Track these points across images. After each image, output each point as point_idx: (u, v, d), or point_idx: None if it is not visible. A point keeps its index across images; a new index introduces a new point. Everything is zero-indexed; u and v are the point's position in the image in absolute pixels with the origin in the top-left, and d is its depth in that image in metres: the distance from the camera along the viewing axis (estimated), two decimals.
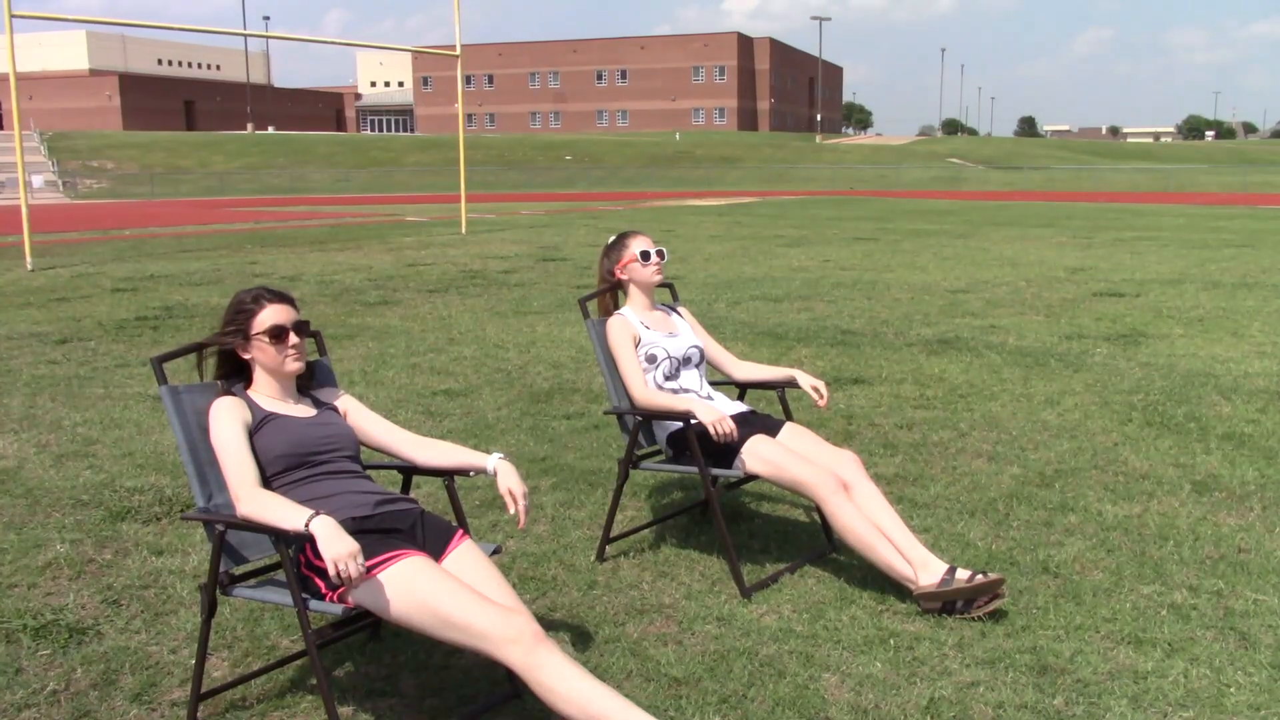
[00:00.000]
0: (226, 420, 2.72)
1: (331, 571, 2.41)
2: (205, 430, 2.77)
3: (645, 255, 3.93)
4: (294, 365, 2.86)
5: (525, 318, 9.72)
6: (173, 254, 16.77)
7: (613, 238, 4.04)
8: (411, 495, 3.01)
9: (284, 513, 2.52)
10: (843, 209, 30.50)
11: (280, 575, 2.76)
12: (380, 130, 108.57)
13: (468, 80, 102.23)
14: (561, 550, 3.95)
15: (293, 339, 2.84)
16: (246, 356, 2.86)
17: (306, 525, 2.45)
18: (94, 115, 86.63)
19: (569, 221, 25.12)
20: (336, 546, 2.41)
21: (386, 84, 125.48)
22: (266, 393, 2.87)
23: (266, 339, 2.81)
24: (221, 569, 2.69)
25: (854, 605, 3.42)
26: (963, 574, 3.30)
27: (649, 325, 3.92)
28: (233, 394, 2.84)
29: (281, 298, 2.87)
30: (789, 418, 3.97)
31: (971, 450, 5.19)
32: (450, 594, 2.44)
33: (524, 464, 5.01)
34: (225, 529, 2.64)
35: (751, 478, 3.68)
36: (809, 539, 4.09)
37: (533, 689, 2.37)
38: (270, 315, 2.82)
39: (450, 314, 9.97)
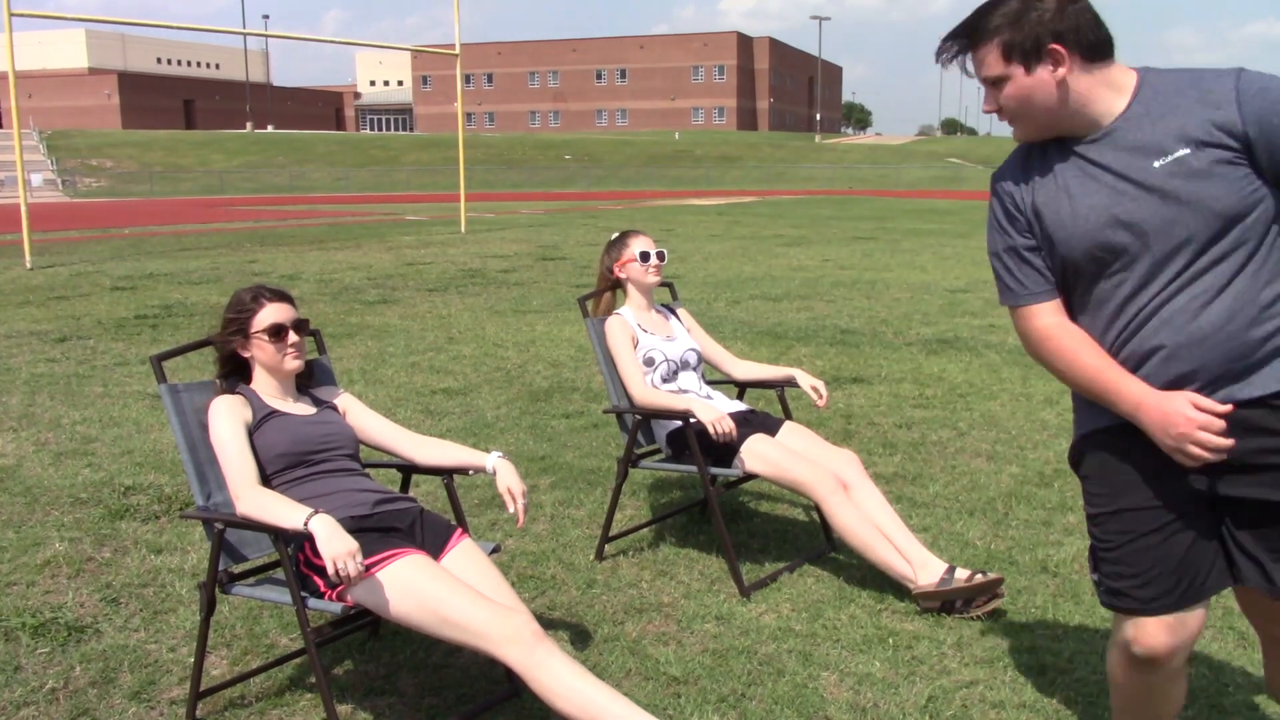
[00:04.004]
0: (226, 419, 2.73)
1: (330, 570, 2.41)
2: (204, 428, 2.77)
3: (644, 256, 3.93)
4: (293, 363, 2.86)
5: (524, 316, 9.72)
6: (172, 252, 16.77)
7: (615, 235, 4.04)
8: (410, 494, 3.02)
9: (283, 511, 2.52)
10: (842, 208, 30.50)
11: (279, 574, 2.77)
12: (379, 129, 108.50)
13: (467, 79, 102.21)
14: (560, 549, 3.95)
15: (292, 337, 2.85)
16: (246, 355, 2.87)
17: (305, 524, 2.45)
18: (93, 114, 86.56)
19: (568, 221, 25.12)
20: (335, 545, 2.41)
21: (386, 83, 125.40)
22: (266, 391, 2.87)
23: (266, 337, 2.81)
24: (220, 567, 2.70)
25: (853, 604, 3.43)
26: (962, 573, 3.30)
27: (646, 328, 3.92)
28: (232, 392, 2.84)
29: (280, 296, 2.88)
30: (788, 417, 3.97)
31: (971, 450, 5.19)
32: (449, 593, 2.44)
33: (523, 463, 5.01)
34: (224, 527, 2.65)
35: (751, 477, 3.68)
36: (808, 538, 4.09)
37: (532, 688, 2.37)
38: (269, 314, 2.83)
39: (449, 313, 9.97)
